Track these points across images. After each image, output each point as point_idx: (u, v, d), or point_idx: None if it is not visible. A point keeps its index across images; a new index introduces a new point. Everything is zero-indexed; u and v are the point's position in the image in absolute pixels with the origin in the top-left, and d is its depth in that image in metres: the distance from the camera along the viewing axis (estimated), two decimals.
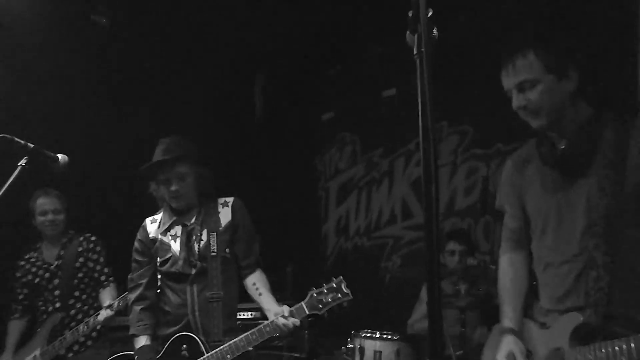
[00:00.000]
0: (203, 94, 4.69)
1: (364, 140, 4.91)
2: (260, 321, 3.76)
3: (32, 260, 3.05)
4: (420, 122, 1.08)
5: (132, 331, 2.34)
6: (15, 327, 3.03)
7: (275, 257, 4.55)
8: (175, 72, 4.46)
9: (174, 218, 2.38)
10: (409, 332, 3.03)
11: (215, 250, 2.26)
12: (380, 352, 2.53)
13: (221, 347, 2.15)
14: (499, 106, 4.00)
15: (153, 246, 2.37)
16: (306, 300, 2.11)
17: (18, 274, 3.04)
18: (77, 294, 3.01)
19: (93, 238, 3.12)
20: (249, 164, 5.08)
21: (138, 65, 4.26)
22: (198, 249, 2.29)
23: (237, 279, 2.36)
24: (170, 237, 2.35)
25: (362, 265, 4.64)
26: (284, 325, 2.10)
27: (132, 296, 2.39)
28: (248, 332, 2.15)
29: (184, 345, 2.18)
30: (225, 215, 2.36)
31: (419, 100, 1.11)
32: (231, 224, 2.34)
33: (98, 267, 3.08)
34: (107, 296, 2.99)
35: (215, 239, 2.28)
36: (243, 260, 2.34)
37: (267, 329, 2.13)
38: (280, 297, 3.84)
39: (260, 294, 2.28)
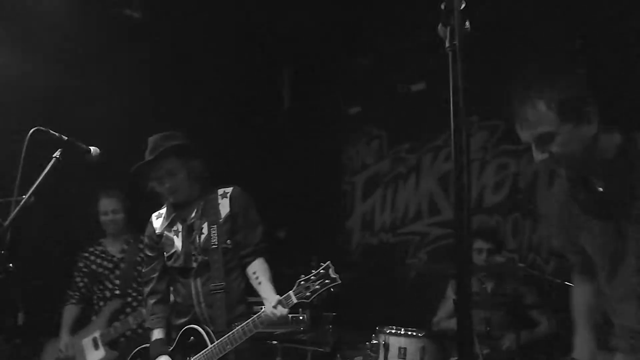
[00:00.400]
0: (231, 85, 4.72)
1: (390, 134, 4.87)
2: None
3: (96, 252, 3.32)
4: (452, 117, 1.06)
5: (147, 324, 2.46)
6: (70, 312, 3.28)
7: (299, 250, 4.57)
8: (203, 64, 4.50)
9: (175, 213, 2.42)
10: (434, 329, 3.00)
11: (216, 243, 2.28)
12: (405, 348, 2.51)
13: (221, 338, 2.19)
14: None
15: (160, 241, 2.43)
16: (294, 289, 2.12)
17: (80, 264, 3.31)
18: (135, 285, 3.25)
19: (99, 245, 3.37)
20: (276, 156, 5.09)
21: (169, 58, 4.30)
22: (199, 242, 2.33)
23: (242, 268, 2.38)
24: (173, 233, 2.40)
25: (387, 261, 4.61)
26: (272, 314, 2.11)
27: (146, 290, 2.48)
28: (244, 323, 2.18)
29: (192, 338, 2.25)
30: (224, 206, 2.37)
31: (451, 95, 1.09)
32: (230, 215, 2.34)
33: None
34: None
35: (216, 231, 2.30)
36: (243, 249, 2.35)
37: (258, 320, 2.15)
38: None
39: (259, 283, 2.28)
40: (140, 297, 3.16)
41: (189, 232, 2.36)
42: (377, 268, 4.61)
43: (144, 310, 2.81)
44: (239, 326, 2.18)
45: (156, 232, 2.45)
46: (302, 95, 5.40)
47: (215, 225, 2.31)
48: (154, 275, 2.45)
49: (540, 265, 3.61)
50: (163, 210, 2.49)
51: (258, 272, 2.30)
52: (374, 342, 2.68)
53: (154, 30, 4.11)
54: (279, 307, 2.11)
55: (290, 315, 3.79)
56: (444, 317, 3.16)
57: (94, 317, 3.25)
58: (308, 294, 2.08)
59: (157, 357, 2.31)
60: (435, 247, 4.32)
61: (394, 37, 4.57)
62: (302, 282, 2.12)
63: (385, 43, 4.66)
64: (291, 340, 3.41)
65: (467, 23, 1.16)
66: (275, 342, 3.30)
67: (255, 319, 2.17)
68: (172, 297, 2.48)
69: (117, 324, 3.14)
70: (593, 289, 1.66)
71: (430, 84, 4.36)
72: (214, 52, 4.49)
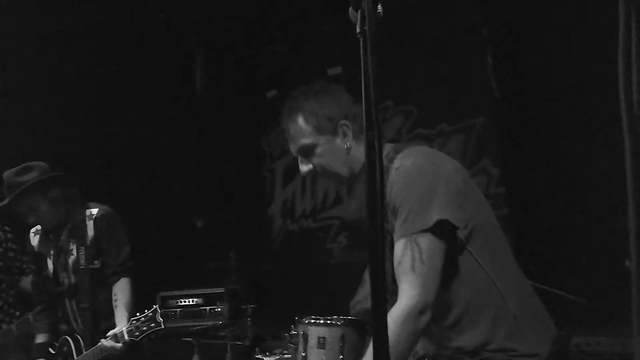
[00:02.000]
0: (141, 67, 4.44)
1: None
2: (202, 307, 3.73)
3: None
4: (364, 103, 1.02)
5: (33, 330, 2.62)
6: None
7: (219, 241, 4.44)
8: (111, 46, 4.18)
9: (46, 235, 2.55)
10: (351, 313, 3.00)
11: (84, 264, 2.41)
12: (324, 337, 2.47)
13: (86, 352, 2.38)
14: (443, 86, 4.06)
15: (38, 258, 2.57)
16: (127, 326, 2.27)
17: None
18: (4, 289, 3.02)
19: (7, 228, 3.11)
20: (191, 143, 4.88)
21: (78, 45, 3.95)
22: (69, 263, 2.45)
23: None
24: (47, 253, 2.53)
25: (308, 248, 4.60)
26: (107, 346, 2.28)
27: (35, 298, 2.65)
28: (91, 349, 2.34)
29: (65, 348, 2.45)
30: (90, 228, 2.47)
31: (362, 80, 1.04)
32: (95, 236, 2.45)
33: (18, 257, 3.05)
34: None
35: (84, 252, 2.42)
36: (107, 269, 2.46)
37: (98, 348, 2.31)
38: (225, 283, 3.78)
39: (116, 306, 2.40)
40: (11, 301, 3.01)
41: (58, 254, 2.49)
42: (298, 255, 4.58)
43: (30, 317, 2.79)
44: (91, 349, 2.34)
45: (35, 249, 2.58)
46: (217, 79, 5.20)
47: (82, 247, 2.42)
48: (37, 287, 2.60)
49: None
50: (39, 228, 2.58)
51: (117, 294, 2.41)
52: (293, 332, 2.62)
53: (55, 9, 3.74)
54: (110, 341, 2.27)
55: (207, 308, 3.71)
56: (361, 300, 3.16)
57: None
58: (137, 333, 2.23)
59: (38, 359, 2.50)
60: (354, 230, 4.36)
61: (311, 19, 4.50)
62: (134, 322, 2.26)
63: (303, 25, 4.58)
64: (209, 335, 3.31)
65: (380, 7, 1.11)
66: (191, 338, 3.18)
67: (97, 347, 2.32)
68: None
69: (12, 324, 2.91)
70: None
71: (347, 68, 4.35)
72: (120, 35, 4.19)
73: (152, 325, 2.23)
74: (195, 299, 3.73)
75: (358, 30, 1.04)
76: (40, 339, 2.55)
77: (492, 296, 1.43)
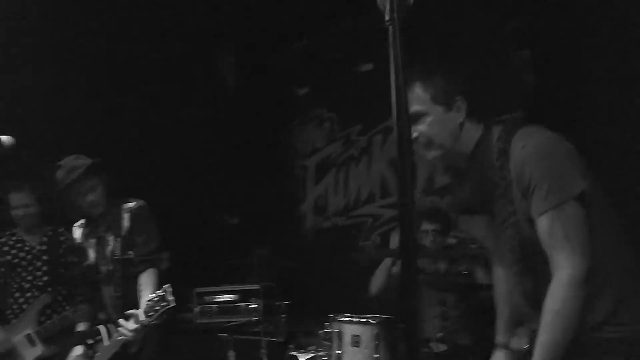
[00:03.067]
0: (172, 67, 4.51)
1: (341, 116, 4.79)
2: (237, 304, 3.77)
3: (10, 242, 3.17)
4: (394, 95, 0.99)
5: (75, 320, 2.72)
6: None
7: (252, 238, 4.47)
8: (143, 47, 4.26)
9: (89, 227, 2.70)
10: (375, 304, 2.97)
11: (119, 254, 2.56)
12: (359, 336, 2.46)
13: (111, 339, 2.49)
14: (478, 80, 3.95)
15: (80, 251, 2.71)
16: (142, 307, 2.35)
17: None
18: (63, 279, 3.15)
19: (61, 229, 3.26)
20: (222, 141, 4.93)
21: (99, 39, 4.04)
22: (107, 253, 2.61)
23: None
24: (89, 244, 2.68)
25: (340, 245, 4.57)
26: (125, 326, 2.35)
27: (74, 289, 2.82)
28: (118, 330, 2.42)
29: (98, 336, 2.55)
30: (126, 220, 2.63)
31: (391, 71, 1.01)
32: (129, 229, 2.61)
33: None
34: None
35: (119, 243, 2.57)
36: (136, 259, 2.58)
37: (117, 335, 2.41)
38: (260, 280, 3.80)
39: (140, 296, 2.49)
40: (65, 293, 3.16)
41: (99, 244, 2.64)
42: (331, 252, 4.56)
43: (69, 312, 2.92)
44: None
45: (77, 241, 2.73)
46: (248, 77, 5.23)
47: (119, 238, 2.58)
48: (80, 278, 2.74)
49: None
50: (83, 222, 2.74)
51: (143, 284, 2.53)
52: (328, 330, 2.62)
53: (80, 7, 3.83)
54: (130, 322, 2.35)
55: (243, 305, 3.74)
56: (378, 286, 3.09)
57: (11, 312, 3.10)
58: (151, 313, 2.31)
59: (75, 347, 2.61)
60: (388, 229, 4.31)
61: (341, 16, 4.47)
62: (148, 302, 2.34)
63: (333, 22, 4.56)
64: (243, 331, 3.34)
65: None
66: (226, 334, 3.22)
67: (119, 330, 2.41)
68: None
69: (55, 318, 3.01)
70: (505, 273, 1.71)
71: (378, 64, 4.30)
72: (151, 35, 4.26)
73: (164, 304, 2.30)
74: (231, 295, 3.77)
75: (387, 18, 1.01)
76: (79, 327, 2.69)
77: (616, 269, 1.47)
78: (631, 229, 1.57)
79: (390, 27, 1.02)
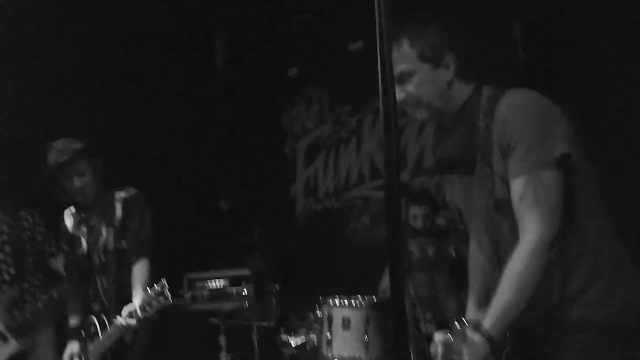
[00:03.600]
0: (161, 46, 4.42)
1: (331, 96, 4.72)
2: (228, 289, 3.76)
3: None
4: (380, 72, 0.96)
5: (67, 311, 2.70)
6: None
7: (243, 220, 4.44)
8: (131, 26, 4.17)
9: (80, 215, 2.64)
10: (380, 297, 2.97)
11: (111, 243, 2.51)
12: (348, 318, 2.45)
13: (107, 331, 2.46)
14: (480, 34, 3.88)
15: (72, 239, 2.66)
16: (139, 303, 2.33)
17: None
18: (32, 269, 2.94)
19: (35, 213, 3.02)
20: (211, 122, 4.85)
21: (96, 27, 3.95)
22: (99, 243, 2.57)
23: None
24: (80, 233, 2.64)
25: (332, 227, 4.56)
26: (123, 323, 2.34)
27: (63, 280, 2.74)
28: (113, 324, 2.41)
29: (91, 327, 2.53)
30: (119, 209, 2.59)
31: (378, 50, 0.97)
32: (122, 218, 2.58)
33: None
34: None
35: (112, 232, 2.53)
36: (129, 250, 2.56)
37: (115, 328, 2.39)
38: (250, 263, 3.79)
39: (133, 286, 2.48)
40: (37, 283, 2.95)
41: (91, 234, 2.60)
42: (322, 235, 4.55)
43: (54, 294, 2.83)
44: (111, 326, 2.43)
45: (69, 230, 2.68)
46: (237, 56, 5.13)
47: (111, 227, 2.54)
48: (71, 268, 2.69)
49: None
50: (73, 210, 2.68)
51: (135, 274, 2.50)
52: (318, 313, 2.61)
53: None
54: (125, 318, 2.33)
55: (234, 290, 3.73)
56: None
57: None
58: (148, 309, 2.30)
59: (70, 341, 2.60)
60: (378, 210, 4.29)
61: None
62: (145, 297, 2.32)
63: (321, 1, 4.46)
64: (234, 316, 3.33)
65: None
66: (217, 319, 3.20)
67: (114, 325, 2.40)
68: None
69: (25, 308, 2.84)
70: (477, 243, 1.65)
71: (368, 43, 4.23)
72: (139, 14, 4.16)
73: (161, 299, 2.29)
74: (221, 280, 3.75)
75: None
76: (72, 320, 2.64)
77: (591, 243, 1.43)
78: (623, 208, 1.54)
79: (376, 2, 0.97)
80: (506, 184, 1.41)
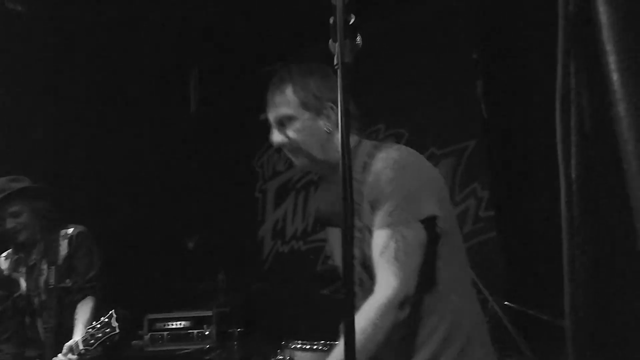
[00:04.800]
0: (134, 87, 4.47)
1: None
2: (190, 331, 3.70)
3: None
4: (340, 133, 1.04)
5: None
6: None
7: (209, 262, 4.41)
8: (106, 64, 4.22)
9: (18, 255, 2.56)
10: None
11: (53, 283, 2.43)
12: None
13: None
14: (433, 109, 4.10)
15: (8, 282, 2.56)
16: (82, 336, 2.24)
17: None
18: None
19: None
20: (183, 163, 4.88)
21: (65, 59, 3.98)
22: (40, 282, 2.47)
23: None
24: (19, 274, 2.54)
25: (298, 270, 4.57)
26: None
27: None
28: None
29: None
30: (64, 247, 2.51)
31: (339, 111, 1.06)
32: (68, 255, 2.49)
33: None
34: None
35: (54, 271, 2.44)
36: (74, 289, 2.47)
37: None
38: (212, 305, 3.75)
39: (75, 325, 2.39)
40: None
41: (31, 273, 2.50)
42: (288, 277, 4.55)
43: None
44: None
45: (4, 272, 2.58)
46: (211, 99, 5.23)
47: (53, 266, 2.45)
48: (5, 315, 2.54)
49: None
50: (10, 251, 2.61)
51: (79, 312, 2.41)
52: (280, 357, 2.61)
53: (42, 28, 3.77)
54: (69, 355, 2.21)
55: (195, 331, 3.67)
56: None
57: None
58: (92, 341, 2.19)
59: None
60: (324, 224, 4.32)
61: (303, 43, 4.56)
62: (89, 329, 2.23)
63: (293, 50, 4.64)
64: (196, 358, 3.27)
65: (359, 38, 1.13)
66: None
67: None
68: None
69: None
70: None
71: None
72: (115, 54, 4.22)
73: (108, 330, 2.18)
74: (183, 322, 3.69)
75: (335, 62, 1.06)
76: None
77: (450, 308, 1.40)
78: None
79: (338, 71, 1.07)
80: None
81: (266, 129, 5.30)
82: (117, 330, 2.19)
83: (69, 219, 2.64)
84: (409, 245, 1.31)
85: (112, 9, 3.85)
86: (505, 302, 2.73)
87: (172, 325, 3.64)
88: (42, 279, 2.47)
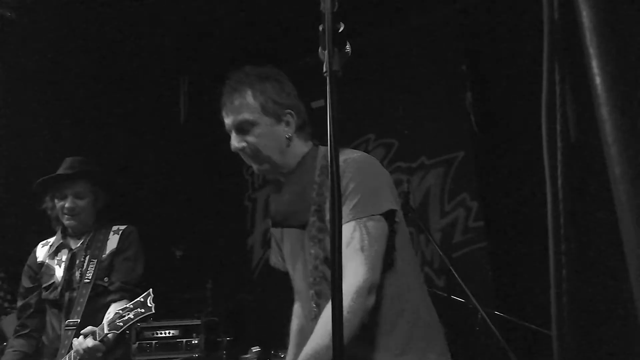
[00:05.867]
0: (125, 97, 4.45)
1: None
2: (179, 340, 3.66)
3: None
4: (329, 142, 1.04)
5: (4, 357, 2.29)
6: None
7: (197, 271, 4.38)
8: (95, 73, 4.20)
9: (63, 241, 2.33)
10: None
11: (90, 278, 2.17)
12: None
13: None
14: (423, 120, 4.13)
15: (40, 271, 2.31)
16: (109, 318, 1.99)
17: None
18: None
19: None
20: (172, 171, 4.86)
21: (55, 66, 3.96)
22: (79, 275, 2.22)
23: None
24: (56, 262, 2.29)
25: (288, 279, 4.54)
26: (79, 345, 1.95)
27: (18, 322, 2.34)
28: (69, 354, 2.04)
29: None
30: (112, 242, 2.30)
31: (328, 119, 1.06)
32: (115, 251, 2.28)
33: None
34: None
35: (95, 265, 2.20)
36: (111, 286, 2.24)
37: (73, 354, 2.01)
38: (201, 314, 3.72)
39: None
40: None
41: (70, 263, 2.27)
42: (277, 287, 4.52)
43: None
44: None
45: (38, 260, 2.34)
46: (201, 108, 5.23)
47: (96, 260, 2.22)
48: (29, 311, 2.31)
49: (432, 280, 3.76)
50: (52, 239, 2.38)
51: (110, 311, 2.11)
52: (246, 356, 2.59)
53: (34, 35, 3.76)
54: (88, 339, 1.95)
55: (184, 340, 3.63)
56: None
57: None
58: (120, 324, 1.95)
59: None
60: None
61: (295, 53, 4.58)
62: (119, 311, 1.99)
63: (285, 59, 4.65)
64: None
65: (348, 46, 1.14)
66: None
67: (70, 353, 2.02)
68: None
69: None
70: (301, 304, 1.67)
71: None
72: (104, 62, 4.21)
73: (142, 311, 1.94)
74: (171, 331, 3.65)
75: (324, 70, 1.06)
76: None
77: (405, 289, 1.48)
78: None
79: (327, 79, 1.07)
80: None
81: None
82: (153, 311, 1.96)
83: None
84: (372, 236, 1.38)
85: (103, 19, 3.85)
86: (495, 312, 2.74)
87: (160, 334, 3.59)
88: (80, 272, 2.22)
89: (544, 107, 0.59)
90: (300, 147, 1.59)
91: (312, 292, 1.46)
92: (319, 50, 1.13)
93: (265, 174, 1.64)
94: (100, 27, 3.94)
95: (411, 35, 4.12)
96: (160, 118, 4.92)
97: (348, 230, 1.39)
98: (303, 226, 1.52)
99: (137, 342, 3.67)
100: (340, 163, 1.39)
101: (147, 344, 3.65)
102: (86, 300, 2.14)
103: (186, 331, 3.59)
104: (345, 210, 1.41)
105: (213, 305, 3.53)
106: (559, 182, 0.69)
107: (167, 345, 3.62)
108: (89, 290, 2.16)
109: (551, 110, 0.57)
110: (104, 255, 2.25)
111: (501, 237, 3.61)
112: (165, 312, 3.97)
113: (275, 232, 1.77)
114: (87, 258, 2.23)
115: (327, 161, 1.43)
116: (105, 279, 2.22)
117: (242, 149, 1.55)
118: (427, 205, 3.95)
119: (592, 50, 0.47)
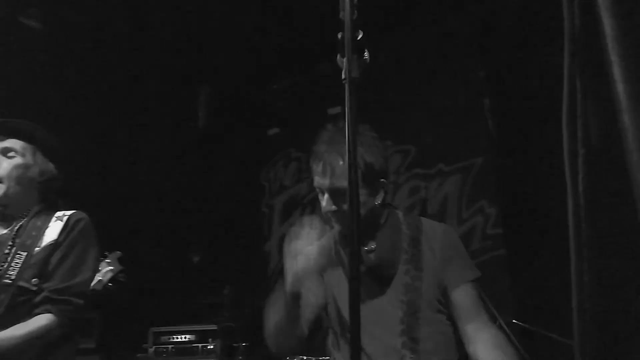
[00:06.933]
0: (144, 102, 4.53)
1: (309, 156, 4.85)
2: (195, 345, 3.68)
3: None
4: (347, 149, 1.05)
5: None
6: None
7: (215, 276, 4.41)
8: (116, 81, 4.28)
9: None
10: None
11: (13, 277, 1.56)
12: None
13: None
14: (441, 126, 4.11)
15: None
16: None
17: None
18: None
19: None
20: (190, 176, 4.92)
21: (76, 73, 4.05)
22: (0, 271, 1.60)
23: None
24: None
25: None
26: None
27: None
28: None
29: None
30: (52, 232, 1.67)
31: (347, 126, 1.07)
32: (55, 243, 1.66)
33: None
34: None
35: (23, 259, 1.59)
36: (37, 294, 1.60)
37: None
38: (219, 320, 3.74)
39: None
40: None
41: None
42: None
43: None
44: None
45: None
46: (220, 115, 5.28)
47: (25, 253, 1.61)
48: None
49: None
50: None
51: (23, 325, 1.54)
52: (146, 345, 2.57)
53: (56, 42, 3.85)
54: None
55: (200, 345, 3.65)
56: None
57: None
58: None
59: None
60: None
61: (313, 61, 4.61)
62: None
63: (305, 65, 4.69)
64: None
65: (367, 53, 1.15)
66: None
67: None
68: None
69: None
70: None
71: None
72: (125, 70, 4.29)
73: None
74: (187, 336, 3.68)
75: (343, 77, 1.08)
76: None
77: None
78: None
79: (346, 86, 1.08)
80: (438, 285, 1.56)
81: (274, 144, 5.34)
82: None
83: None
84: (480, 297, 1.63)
85: (123, 24, 3.92)
86: (514, 320, 2.71)
87: (177, 338, 3.62)
88: (4, 266, 1.60)
89: (565, 114, 0.59)
90: (381, 209, 1.67)
91: (404, 338, 1.49)
92: (338, 57, 1.14)
93: (333, 217, 1.64)
94: (118, 33, 4.01)
95: (429, 42, 4.12)
96: (179, 123, 4.98)
97: (468, 290, 1.60)
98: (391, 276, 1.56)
99: (154, 346, 3.71)
100: (439, 231, 1.63)
101: (164, 348, 3.69)
102: (4, 307, 1.53)
103: (203, 336, 3.62)
104: (460, 270, 1.61)
105: (230, 310, 3.54)
106: (580, 188, 0.68)
107: (183, 350, 3.64)
108: (10, 292, 1.55)
109: (572, 117, 0.57)
110: (37, 249, 1.63)
111: (520, 245, 3.57)
112: (182, 317, 4.01)
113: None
114: (14, 250, 1.62)
115: (413, 232, 1.61)
116: (34, 280, 1.58)
117: (334, 213, 1.56)
118: (444, 213, 3.93)
119: (614, 58, 0.47)
